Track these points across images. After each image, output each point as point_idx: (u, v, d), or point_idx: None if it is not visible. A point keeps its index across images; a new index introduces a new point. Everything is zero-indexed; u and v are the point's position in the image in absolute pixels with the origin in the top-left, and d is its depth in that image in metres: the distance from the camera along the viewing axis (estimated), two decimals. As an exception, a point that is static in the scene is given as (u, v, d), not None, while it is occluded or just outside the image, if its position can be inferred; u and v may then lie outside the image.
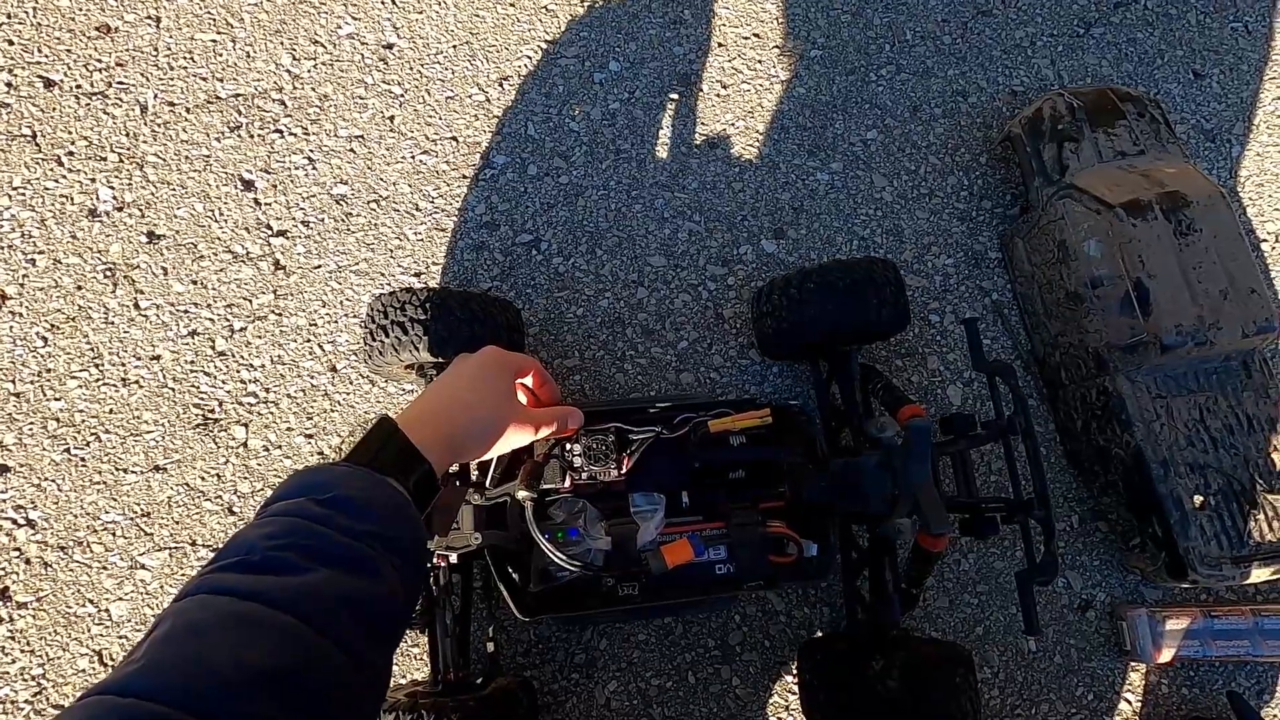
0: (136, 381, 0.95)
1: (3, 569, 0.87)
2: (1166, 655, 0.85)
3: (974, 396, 0.97)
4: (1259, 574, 0.80)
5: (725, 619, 0.88)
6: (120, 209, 1.01)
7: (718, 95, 1.09)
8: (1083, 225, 0.88)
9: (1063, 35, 1.13)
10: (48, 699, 0.84)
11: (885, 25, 1.12)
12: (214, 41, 1.09)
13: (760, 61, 1.11)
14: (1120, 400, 0.85)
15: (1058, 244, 0.91)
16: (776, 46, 1.11)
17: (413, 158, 1.05)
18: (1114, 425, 0.86)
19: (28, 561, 0.88)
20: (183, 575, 0.88)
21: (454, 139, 1.06)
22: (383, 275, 1.00)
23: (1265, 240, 1.05)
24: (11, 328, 0.96)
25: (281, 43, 1.10)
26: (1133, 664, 0.89)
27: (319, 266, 1.00)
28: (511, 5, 1.13)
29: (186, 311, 0.97)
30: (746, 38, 1.12)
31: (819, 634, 0.88)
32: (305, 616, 0.38)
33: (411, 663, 0.86)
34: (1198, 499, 0.82)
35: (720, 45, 1.11)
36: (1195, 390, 0.86)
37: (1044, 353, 0.96)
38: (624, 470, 0.77)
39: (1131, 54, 1.12)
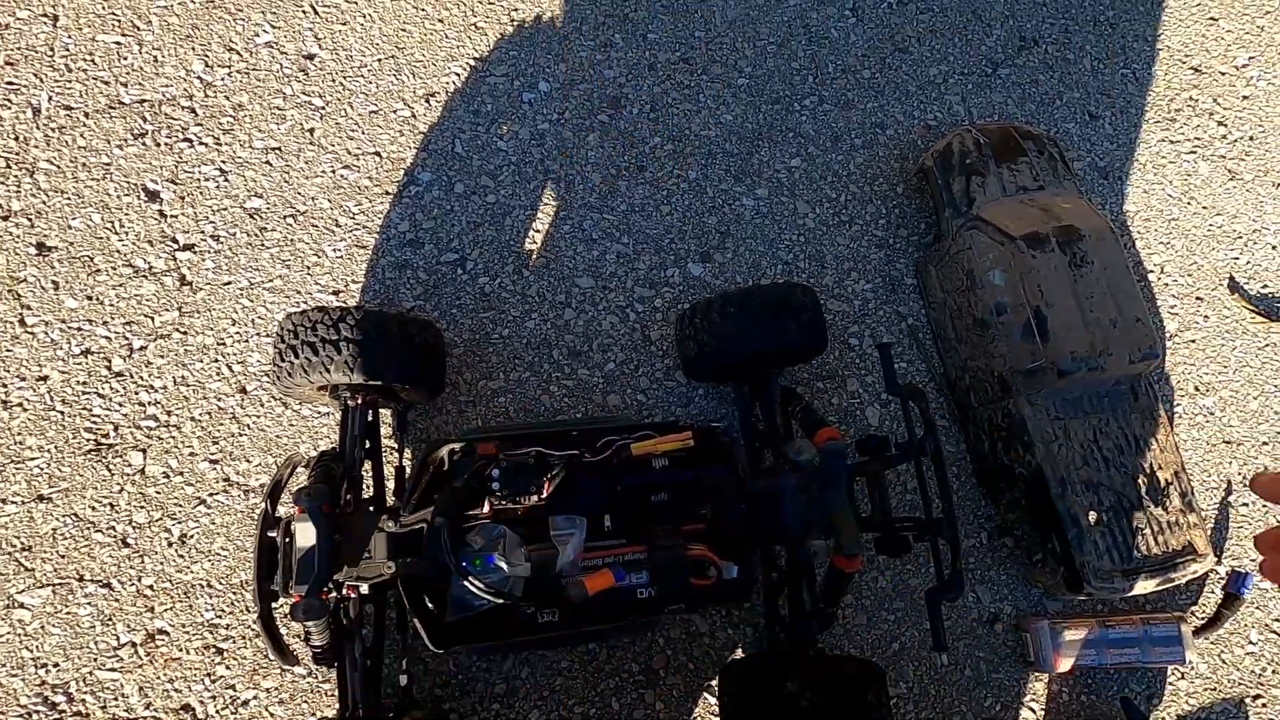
0: (20, 404, 0.88)
1: None
2: (1066, 664, 0.89)
3: (891, 418, 1.00)
4: (1144, 585, 0.85)
5: (649, 642, 0.88)
6: (6, 218, 0.94)
7: (647, 119, 1.10)
8: (988, 255, 0.93)
9: (973, 74, 1.19)
10: (-96, 756, 0.76)
11: (809, 58, 1.16)
12: (118, 44, 1.04)
13: (689, 87, 1.13)
14: (1022, 422, 0.90)
15: (966, 273, 0.96)
16: (705, 73, 1.13)
17: (333, 172, 1.02)
18: (1017, 445, 0.91)
19: (-115, 603, 0.80)
20: (67, 614, 0.82)
21: (377, 154, 1.03)
22: (299, 293, 0.96)
23: (1152, 271, 1.13)
24: (-125, 345, 0.88)
25: (193, 48, 1.05)
26: (1036, 674, 0.93)
27: (229, 283, 0.95)
28: (440, 21, 1.11)
29: (79, 329, 0.91)
30: (676, 63, 1.14)
31: (740, 655, 0.88)
32: None
33: (321, 699, 0.82)
34: (1093, 515, 0.87)
35: (650, 69, 1.13)
36: (1089, 412, 0.91)
37: (955, 376, 1.01)
38: (545, 494, 0.76)
39: (1034, 94, 1.19)
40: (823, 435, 0.79)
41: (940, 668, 0.92)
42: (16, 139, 0.97)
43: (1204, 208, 1.17)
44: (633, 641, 0.87)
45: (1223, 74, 1.23)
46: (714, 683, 0.87)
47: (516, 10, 1.13)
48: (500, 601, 0.70)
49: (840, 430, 0.80)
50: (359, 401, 0.80)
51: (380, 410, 0.86)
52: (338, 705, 0.74)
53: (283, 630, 0.68)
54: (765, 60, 1.15)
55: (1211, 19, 1.26)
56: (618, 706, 0.86)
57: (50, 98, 1.00)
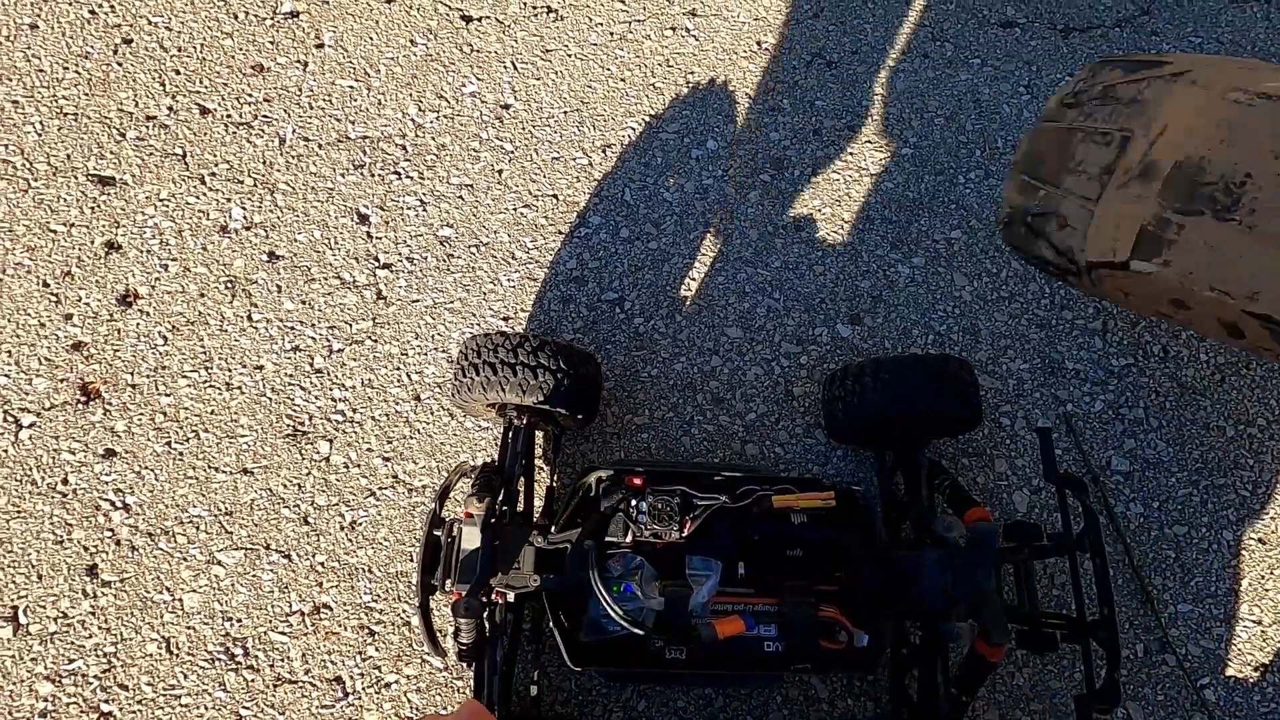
0: (239, 388, 1.02)
1: (95, 546, 0.94)
2: (1231, 809, 0.80)
3: (1041, 506, 0.96)
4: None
5: (766, 698, 0.87)
6: (248, 228, 1.11)
7: (808, 181, 1.14)
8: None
9: (1156, 157, 1.14)
10: (114, 677, 0.88)
11: (977, 131, 1.16)
12: (352, 88, 1.20)
13: (852, 154, 1.15)
14: None
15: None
16: (870, 141, 1.16)
17: (515, 210, 1.12)
18: None
19: (118, 543, 0.94)
20: (253, 576, 0.93)
21: (555, 197, 1.13)
22: (474, 315, 1.06)
23: (1360, 383, 1.02)
24: (138, 324, 1.05)
25: (410, 94, 1.20)
26: (1192, 813, 0.84)
27: (417, 301, 1.07)
28: (622, 80, 1.21)
29: (293, 328, 1.05)
30: (841, 130, 1.17)
31: (860, 728, 0.86)
32: None
33: (454, 694, 0.88)
34: None
35: (815, 134, 1.17)
36: None
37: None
38: (685, 533, 0.79)
39: (1226, 182, 1.12)
40: (973, 515, 0.77)
41: (1078, 784, 0.85)
42: (264, 163, 1.15)
43: None
44: (750, 694, 0.87)
45: None
46: (827, 752, 0.86)
47: (693, 74, 1.21)
48: (634, 630, 0.73)
49: (989, 512, 0.78)
50: (523, 421, 0.87)
51: (537, 432, 0.92)
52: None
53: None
54: (932, 132, 1.16)
55: None
56: (727, 757, 0.86)
57: (294, 130, 1.17)
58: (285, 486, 0.97)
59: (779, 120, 1.18)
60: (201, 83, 1.20)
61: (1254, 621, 0.91)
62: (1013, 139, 1.15)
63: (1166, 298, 0.55)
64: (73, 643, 0.90)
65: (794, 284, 1.07)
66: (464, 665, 0.86)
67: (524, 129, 1.18)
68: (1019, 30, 1.23)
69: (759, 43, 1.23)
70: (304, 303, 1.07)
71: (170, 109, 1.18)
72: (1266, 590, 0.93)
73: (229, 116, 1.18)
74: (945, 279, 1.07)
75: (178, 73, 1.20)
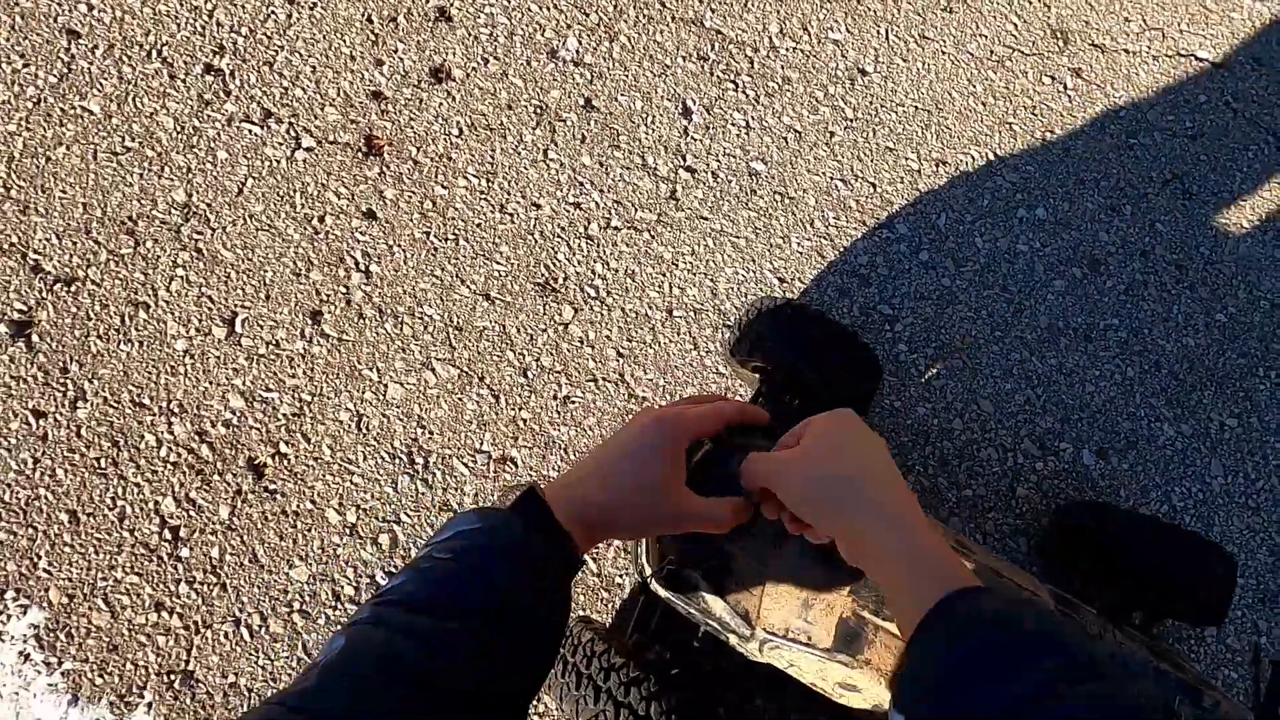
0: (511, 215, 0.99)
1: (327, 295, 0.92)
2: None
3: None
4: None
5: None
6: (577, 64, 1.06)
7: (1116, 297, 1.07)
8: None
9: None
10: (301, 423, 0.88)
11: (1299, 333, 1.09)
12: (726, -25, 1.13)
13: (1169, 291, 1.09)
14: None
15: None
16: (1191, 288, 1.09)
17: (830, 179, 1.07)
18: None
19: (348, 303, 0.93)
20: (458, 399, 0.92)
21: (873, 185, 1.07)
22: (754, 262, 1.02)
23: None
24: (441, 104, 1.01)
25: (778, 10, 1.13)
26: None
27: (706, 219, 1.02)
28: (982, 104, 1.14)
29: (581, 184, 1.01)
30: (1168, 264, 1.10)
31: None
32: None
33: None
34: None
35: (1142, 255, 1.10)
36: None
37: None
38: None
39: None
40: None
41: None
42: (614, 6, 1.09)
43: None
44: None
45: None
46: None
47: (1052, 133, 1.14)
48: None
49: None
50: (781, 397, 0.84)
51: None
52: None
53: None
54: (1254, 311, 1.10)
55: None
56: None
57: (656, -10, 1.11)
58: (519, 331, 0.95)
59: (1114, 223, 1.11)
60: (587, -105, 1.13)
61: None
62: (1331, 360, 1.09)
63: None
64: (275, 374, 0.89)
65: (1061, 389, 1.02)
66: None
67: (871, 103, 1.11)
68: (1385, 256, 1.15)
69: (1129, 137, 1.15)
70: (601, 165, 1.02)
71: (548, -94, 1.11)
72: None
73: (600, -57, 1.11)
74: (1204, 460, 1.02)
75: (569, -127, 1.13)
